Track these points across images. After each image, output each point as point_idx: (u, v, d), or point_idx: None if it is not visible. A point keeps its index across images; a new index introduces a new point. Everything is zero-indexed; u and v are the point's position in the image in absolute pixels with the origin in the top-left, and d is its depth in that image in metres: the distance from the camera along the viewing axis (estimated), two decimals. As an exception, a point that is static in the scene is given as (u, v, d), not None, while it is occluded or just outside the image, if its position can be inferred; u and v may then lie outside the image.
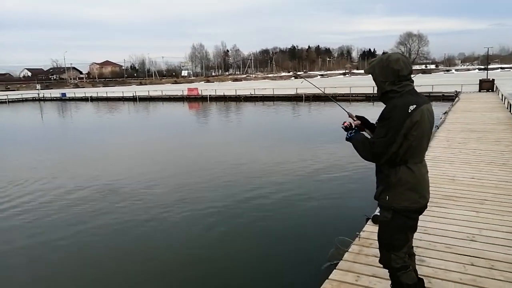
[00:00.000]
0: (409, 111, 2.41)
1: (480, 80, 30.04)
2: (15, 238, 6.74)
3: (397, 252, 2.65)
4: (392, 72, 2.49)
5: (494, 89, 28.08)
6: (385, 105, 2.57)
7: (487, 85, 28.86)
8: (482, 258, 3.81)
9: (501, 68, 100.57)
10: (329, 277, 3.60)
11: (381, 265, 3.59)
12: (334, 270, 3.75)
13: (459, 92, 28.17)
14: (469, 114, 15.42)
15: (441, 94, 29.67)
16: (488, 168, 7.17)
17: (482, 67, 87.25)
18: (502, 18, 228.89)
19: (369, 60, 2.80)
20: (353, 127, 2.81)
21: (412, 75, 2.59)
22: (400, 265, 2.66)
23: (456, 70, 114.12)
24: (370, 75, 2.66)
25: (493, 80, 29.44)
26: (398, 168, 2.53)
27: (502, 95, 21.38)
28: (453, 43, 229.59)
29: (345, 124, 2.84)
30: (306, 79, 4.84)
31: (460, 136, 10.52)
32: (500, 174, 6.73)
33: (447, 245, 4.10)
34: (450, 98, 27.08)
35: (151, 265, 5.64)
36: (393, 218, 2.59)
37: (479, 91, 28.68)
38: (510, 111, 15.28)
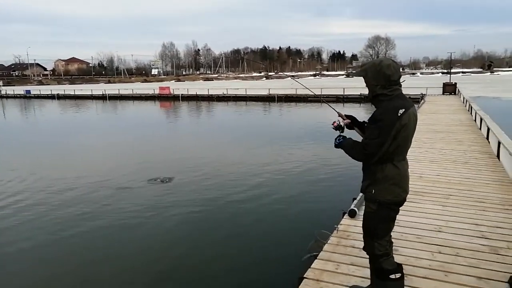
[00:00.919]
0: (399, 114, 2.60)
1: (443, 83, 31.48)
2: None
3: (380, 240, 2.88)
4: (384, 77, 2.67)
5: (456, 92, 29.50)
6: (375, 107, 2.77)
7: (450, 89, 30.28)
8: (448, 246, 4.17)
9: (463, 72, 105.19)
10: (311, 266, 3.84)
11: (358, 255, 3.92)
12: (316, 260, 3.99)
13: (424, 94, 29.37)
14: (434, 116, 16.19)
15: (408, 97, 30.72)
16: (452, 166, 7.67)
17: (445, 71, 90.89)
18: (464, 25, 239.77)
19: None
20: (342, 126, 3.00)
21: (402, 80, 2.81)
22: (382, 252, 2.89)
23: (421, 73, 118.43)
24: (358, 77, 2.85)
25: (456, 83, 30.93)
26: (385, 165, 2.73)
27: (463, 97, 22.54)
28: (418, 47, 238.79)
29: (335, 124, 3.01)
30: (296, 79, 5.04)
31: (426, 136, 11.09)
32: (463, 172, 7.23)
33: (417, 235, 4.44)
34: (416, 100, 28.17)
35: (122, 263, 5.71)
36: (378, 210, 2.81)
37: (443, 94, 30.05)
38: (471, 113, 16.18)
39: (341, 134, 2.96)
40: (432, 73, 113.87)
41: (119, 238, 6.59)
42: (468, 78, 74.11)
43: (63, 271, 5.55)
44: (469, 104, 17.30)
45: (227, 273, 5.36)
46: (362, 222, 3.03)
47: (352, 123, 3.04)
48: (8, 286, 5.20)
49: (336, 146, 2.94)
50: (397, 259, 3.80)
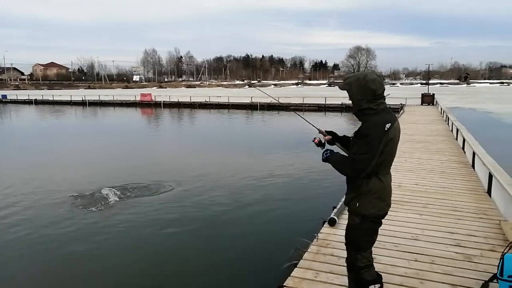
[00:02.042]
0: (386, 129, 2.62)
1: (422, 94, 32.28)
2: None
3: (363, 252, 2.91)
4: (369, 91, 2.67)
5: (435, 103, 30.26)
6: (361, 121, 2.77)
7: (428, 99, 31.06)
8: (424, 254, 4.26)
9: (440, 83, 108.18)
10: (291, 275, 3.87)
11: (337, 263, 3.96)
12: (295, 268, 4.02)
13: (403, 105, 30.03)
14: (412, 126, 16.56)
15: (388, 106, 31.41)
16: (429, 176, 7.85)
17: (424, 82, 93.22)
18: (442, 38, 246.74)
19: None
20: (323, 142, 3.00)
21: (387, 93, 2.84)
22: (364, 264, 2.91)
23: (401, 83, 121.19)
24: (345, 91, 2.81)
25: (433, 94, 31.79)
26: (370, 179, 2.74)
27: (441, 108, 23.14)
28: (398, 58, 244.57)
29: (316, 140, 3.01)
30: (259, 88, 5.07)
31: (405, 146, 11.32)
32: (440, 181, 7.41)
33: (394, 244, 4.53)
34: (395, 110, 28.78)
35: (107, 271, 5.62)
36: (362, 223, 2.82)
37: (421, 104, 30.78)
38: (448, 123, 16.62)
39: (328, 148, 2.95)
40: (412, 84, 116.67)
41: (103, 247, 6.47)
42: (445, 89, 76.26)
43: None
44: (446, 115, 17.77)
45: (207, 282, 5.32)
46: (344, 233, 3.04)
47: (333, 138, 3.05)
48: None
49: (324, 160, 2.92)
50: (375, 267, 3.87)
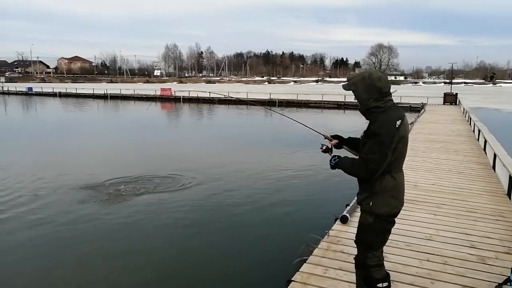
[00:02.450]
0: (396, 126, 2.58)
1: (444, 93, 31.61)
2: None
3: (375, 252, 2.87)
4: (376, 90, 2.64)
5: (457, 103, 29.59)
6: (368, 120, 2.74)
7: (450, 99, 30.39)
8: (437, 255, 4.20)
9: (465, 83, 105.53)
10: (300, 270, 3.88)
11: (347, 260, 3.95)
12: (304, 264, 4.03)
13: (425, 104, 29.48)
14: (433, 125, 16.25)
15: (408, 105, 30.95)
16: (447, 176, 7.71)
17: (448, 81, 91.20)
18: (467, 36, 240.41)
19: (350, 73, 2.97)
20: (330, 147, 2.96)
21: (393, 90, 2.77)
22: (375, 263, 2.87)
23: (424, 82, 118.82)
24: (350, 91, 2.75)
25: (456, 94, 31.05)
26: (383, 177, 2.69)
27: (463, 108, 22.62)
28: (421, 56, 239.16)
29: (323, 147, 2.97)
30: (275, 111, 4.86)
31: (423, 146, 11.14)
32: (458, 182, 7.27)
33: (407, 243, 4.48)
34: (416, 109, 28.30)
35: (114, 263, 5.73)
36: (375, 222, 2.78)
37: (443, 104, 30.15)
38: (470, 124, 16.23)
39: (335, 154, 2.91)
40: (435, 83, 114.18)
41: (112, 238, 6.62)
42: (470, 89, 74.34)
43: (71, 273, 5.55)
44: (469, 115, 17.37)
45: (217, 275, 5.39)
46: (356, 232, 3.00)
47: (340, 142, 3.02)
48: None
49: (333, 167, 2.88)
50: (385, 265, 3.85)
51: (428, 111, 23.95)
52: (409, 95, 33.04)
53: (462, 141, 12.15)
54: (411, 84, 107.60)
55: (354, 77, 2.77)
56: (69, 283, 5.23)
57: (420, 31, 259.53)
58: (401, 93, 38.31)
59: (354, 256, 3.14)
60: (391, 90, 2.73)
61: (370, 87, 2.65)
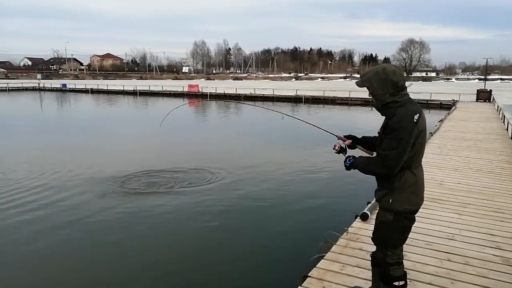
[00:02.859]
0: (415, 120, 2.55)
1: (477, 90, 30.47)
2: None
3: (394, 250, 2.84)
4: (391, 84, 2.61)
5: (491, 100, 28.49)
6: (384, 116, 2.71)
7: (484, 96, 29.26)
8: (458, 255, 4.11)
9: (501, 79, 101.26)
10: (316, 266, 3.90)
11: (364, 257, 3.92)
12: (322, 260, 4.04)
13: (456, 101, 28.55)
14: (463, 123, 15.75)
15: (439, 103, 30.08)
16: (475, 175, 7.48)
17: (482, 77, 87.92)
18: (504, 30, 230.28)
19: (365, 69, 2.92)
20: (344, 148, 2.94)
21: (408, 83, 2.76)
22: (394, 261, 2.84)
23: (456, 79, 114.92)
24: (364, 88, 2.73)
25: (491, 90, 29.84)
26: (403, 173, 2.66)
27: (497, 106, 21.77)
28: (454, 51, 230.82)
29: (336, 147, 2.94)
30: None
31: (451, 144, 10.83)
32: (485, 181, 7.05)
33: (427, 242, 4.40)
34: (447, 106, 27.48)
35: (143, 259, 5.90)
36: (395, 220, 2.74)
37: (476, 101, 29.09)
38: (503, 122, 15.62)
39: (349, 155, 2.89)
40: (468, 79, 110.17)
41: (129, 233, 6.82)
42: (506, 85, 71.30)
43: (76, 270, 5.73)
44: (503, 113, 16.72)
45: (235, 268, 5.48)
46: (374, 230, 2.98)
47: (353, 142, 3.00)
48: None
49: (348, 167, 2.86)
50: (404, 264, 3.81)
51: (459, 108, 23.20)
52: (440, 92, 32.13)
53: (493, 140, 11.73)
54: (443, 81, 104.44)
55: (367, 73, 2.74)
56: (81, 277, 5.35)
57: (454, 25, 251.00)
58: (431, 90, 37.36)
59: (371, 253, 3.13)
60: (406, 85, 2.70)
61: (385, 82, 2.62)
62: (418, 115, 2.59)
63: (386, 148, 2.60)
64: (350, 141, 3.00)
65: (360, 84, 2.77)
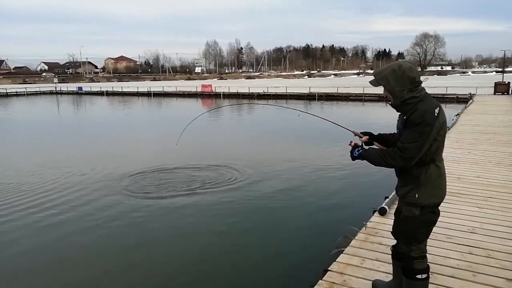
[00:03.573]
0: (436, 114, 2.58)
1: (495, 83, 29.85)
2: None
3: (419, 244, 2.86)
4: (408, 80, 2.63)
5: (510, 92, 27.89)
6: (402, 112, 2.72)
7: (502, 88, 28.65)
8: (480, 248, 4.08)
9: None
10: (337, 260, 3.92)
11: (384, 251, 3.92)
12: (341, 254, 4.06)
13: (473, 94, 28.04)
14: (481, 117, 15.49)
15: (455, 96, 29.57)
16: (495, 168, 7.37)
17: (500, 69, 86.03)
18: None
19: (378, 65, 2.88)
20: (360, 144, 2.93)
21: (424, 78, 2.76)
22: (418, 254, 2.85)
23: (473, 72, 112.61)
24: (379, 87, 2.73)
25: (509, 83, 29.19)
26: (428, 167, 2.68)
27: (516, 98, 21.32)
28: (471, 44, 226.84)
29: (352, 143, 2.94)
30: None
31: (470, 137, 10.68)
32: (507, 174, 6.94)
33: (448, 236, 4.38)
34: (464, 100, 27.02)
35: (156, 261, 5.98)
36: (421, 214, 2.75)
37: (494, 93, 28.52)
38: (523, 114, 15.31)
39: (357, 145, 2.90)
40: (485, 72, 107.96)
41: (139, 231, 6.93)
42: (524, 78, 69.60)
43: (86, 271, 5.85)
44: (522, 105, 16.38)
45: (256, 262, 5.54)
46: (397, 225, 2.97)
47: (370, 138, 2.99)
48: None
49: (356, 157, 2.87)
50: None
51: (476, 101, 22.79)
52: (456, 86, 31.59)
53: (513, 133, 11.51)
54: (458, 74, 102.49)
55: (382, 71, 2.74)
56: (97, 282, 5.37)
57: (470, 17, 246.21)
58: (447, 84, 36.76)
59: (392, 247, 3.14)
60: (422, 79, 2.71)
61: (403, 78, 2.63)
62: (438, 108, 2.61)
63: (406, 141, 2.61)
64: (367, 137, 3.00)
65: (375, 83, 2.77)
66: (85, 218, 7.39)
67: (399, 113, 2.83)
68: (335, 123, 3.43)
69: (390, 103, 2.81)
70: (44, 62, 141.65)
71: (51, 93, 59.74)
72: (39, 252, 6.14)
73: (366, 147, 2.91)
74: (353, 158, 2.90)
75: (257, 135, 17.83)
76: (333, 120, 3.44)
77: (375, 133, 3.05)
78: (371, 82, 2.82)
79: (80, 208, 7.90)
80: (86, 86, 63.28)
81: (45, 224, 7.13)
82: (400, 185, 2.84)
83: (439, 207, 2.83)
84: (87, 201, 8.33)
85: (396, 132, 2.92)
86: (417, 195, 2.72)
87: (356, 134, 3.04)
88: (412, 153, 2.60)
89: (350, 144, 2.96)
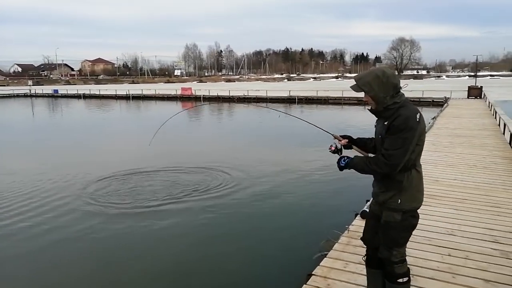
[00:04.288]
0: (417, 119, 2.61)
1: (468, 87, 30.81)
2: None
3: (400, 248, 2.88)
4: (392, 86, 2.66)
5: (482, 96, 28.81)
6: (383, 118, 2.73)
7: (475, 92, 29.61)
8: (459, 250, 4.19)
9: (491, 75, 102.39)
10: (320, 264, 3.95)
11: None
12: (325, 258, 4.10)
13: (448, 98, 28.82)
14: (456, 120, 15.93)
15: (430, 100, 30.32)
16: (470, 171, 7.59)
17: (472, 74, 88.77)
18: (493, 26, 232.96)
19: (356, 68, 2.89)
20: (340, 148, 2.94)
21: (404, 84, 2.80)
22: (398, 259, 2.87)
23: (447, 76, 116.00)
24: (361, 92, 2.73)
25: (481, 87, 30.23)
26: (410, 172, 2.71)
27: (489, 102, 22.03)
28: (445, 49, 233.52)
29: (332, 147, 2.94)
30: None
31: (446, 141, 10.97)
32: (481, 176, 7.16)
33: (428, 238, 4.48)
34: (439, 103, 27.73)
35: (146, 265, 5.92)
36: (403, 219, 2.77)
37: (468, 97, 29.40)
38: (495, 117, 15.82)
39: (344, 155, 2.88)
40: (459, 76, 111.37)
41: (129, 231, 6.82)
42: (496, 82, 72.09)
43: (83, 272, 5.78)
44: (494, 109, 16.93)
45: (238, 267, 5.52)
46: (375, 232, 2.96)
47: (349, 142, 3.00)
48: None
49: (343, 167, 2.86)
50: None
51: (451, 105, 23.43)
52: (432, 89, 32.40)
53: (487, 135, 11.89)
54: (433, 78, 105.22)
55: (364, 77, 2.74)
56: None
57: (444, 23, 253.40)
58: (423, 88, 37.63)
59: (364, 256, 3.15)
60: (402, 85, 2.75)
61: (387, 84, 2.66)
62: (419, 114, 2.66)
63: (390, 147, 2.62)
64: (347, 140, 3.00)
65: (356, 88, 2.76)
66: (52, 229, 7.05)
67: (378, 118, 2.83)
68: (315, 125, 3.43)
69: (369, 108, 2.83)
70: (17, 64, 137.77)
71: (25, 96, 58.13)
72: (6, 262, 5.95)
73: (352, 156, 2.89)
74: (341, 168, 2.88)
75: (237, 138, 17.80)
76: (314, 123, 3.45)
77: (354, 137, 3.06)
78: (352, 88, 2.81)
79: (48, 218, 7.53)
80: (62, 89, 61.80)
81: (11, 234, 6.89)
82: (382, 191, 2.83)
83: (419, 210, 2.88)
84: (53, 209, 8.01)
85: (374, 137, 2.93)
86: (399, 200, 2.74)
87: (335, 137, 3.02)
88: (397, 159, 2.61)
89: (330, 148, 2.96)
